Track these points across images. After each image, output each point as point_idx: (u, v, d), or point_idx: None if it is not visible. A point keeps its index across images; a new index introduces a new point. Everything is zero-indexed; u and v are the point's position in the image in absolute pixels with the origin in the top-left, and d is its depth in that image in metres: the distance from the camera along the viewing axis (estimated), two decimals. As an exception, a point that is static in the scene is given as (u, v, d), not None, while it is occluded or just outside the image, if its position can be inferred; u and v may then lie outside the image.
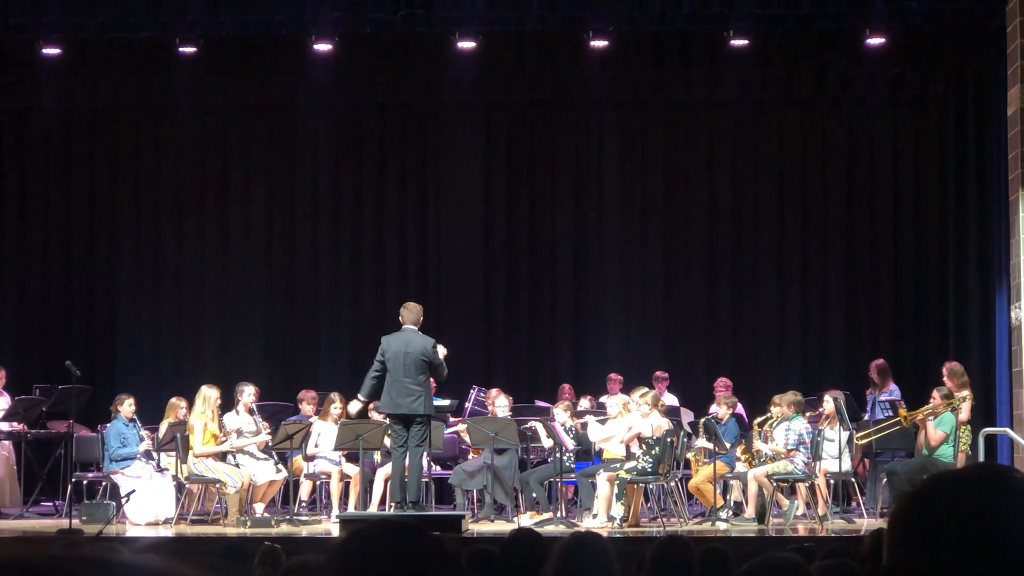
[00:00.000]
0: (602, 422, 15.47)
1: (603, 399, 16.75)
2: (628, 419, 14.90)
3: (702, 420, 15.47)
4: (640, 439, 14.64)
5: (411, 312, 14.15)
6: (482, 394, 16.67)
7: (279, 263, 19.23)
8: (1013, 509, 2.12)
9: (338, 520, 14.14)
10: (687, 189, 19.11)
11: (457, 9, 16.58)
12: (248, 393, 15.38)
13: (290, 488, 15.40)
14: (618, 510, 14.38)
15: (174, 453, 15.12)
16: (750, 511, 14.94)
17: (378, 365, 13.85)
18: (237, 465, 14.99)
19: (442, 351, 13.95)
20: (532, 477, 15.51)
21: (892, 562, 2.19)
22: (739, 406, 16.26)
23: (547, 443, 15.61)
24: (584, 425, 15.72)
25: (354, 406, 14.52)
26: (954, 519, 2.11)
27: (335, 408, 15.84)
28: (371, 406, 15.83)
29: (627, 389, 15.97)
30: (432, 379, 14.04)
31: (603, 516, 14.40)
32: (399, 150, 19.25)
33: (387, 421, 14.78)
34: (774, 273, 18.88)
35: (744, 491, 15.37)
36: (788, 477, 14.60)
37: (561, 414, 15.58)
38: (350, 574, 2.30)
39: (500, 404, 15.78)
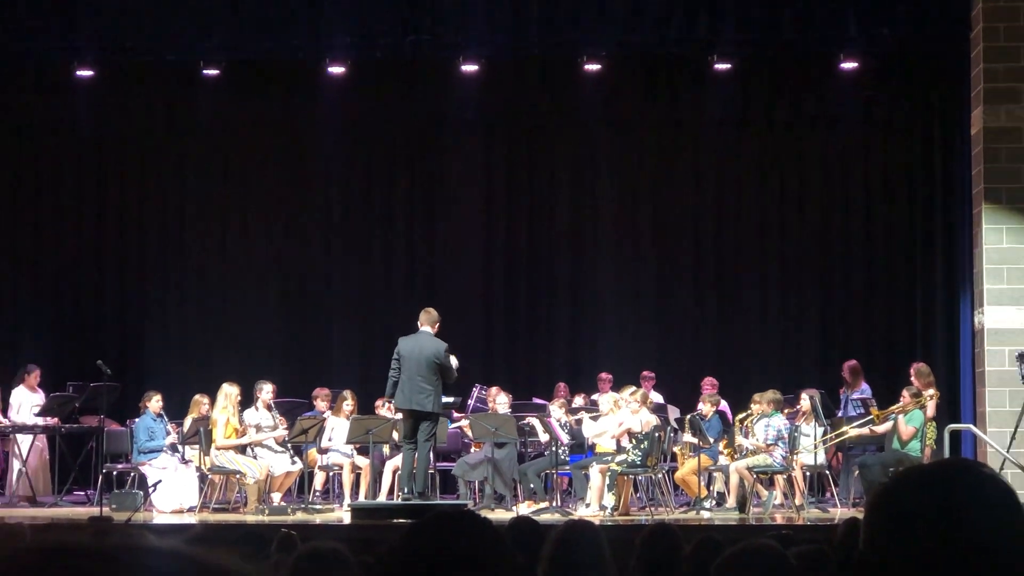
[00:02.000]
0: (594, 418, 15.46)
1: (595, 397, 16.75)
2: (619, 415, 14.91)
3: (688, 416, 15.49)
4: (630, 434, 14.65)
5: (428, 316, 14.15)
6: (483, 392, 16.68)
7: (295, 271, 19.22)
8: (980, 501, 2.13)
9: (349, 509, 14.13)
10: (674, 204, 19.10)
11: (461, 35, 16.59)
12: (267, 391, 15.38)
13: (305, 479, 15.40)
14: (609, 500, 14.38)
15: (198, 446, 15.12)
16: (732, 501, 14.95)
17: (395, 365, 13.87)
18: (256, 457, 14.99)
19: (455, 361, 13.98)
20: (530, 469, 15.50)
21: (867, 549, 2.20)
22: (723, 403, 16.27)
23: (544, 437, 15.61)
24: (579, 421, 15.72)
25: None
26: (925, 509, 2.11)
27: (347, 404, 15.86)
28: (379, 403, 15.87)
29: (617, 388, 15.96)
30: (446, 380, 14.08)
31: (595, 505, 14.39)
32: (407, 165, 19.26)
33: (395, 417, 14.81)
34: (755, 281, 18.87)
35: (726, 482, 15.38)
36: (767, 469, 14.60)
37: (556, 411, 15.58)
38: (426, 552, 2.33)
39: (500, 401, 15.78)
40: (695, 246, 19.03)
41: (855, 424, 15.23)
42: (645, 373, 17.23)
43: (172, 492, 14.69)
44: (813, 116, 18.57)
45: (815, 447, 14.77)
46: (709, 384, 16.79)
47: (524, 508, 14.49)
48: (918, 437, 14.65)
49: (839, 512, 14.40)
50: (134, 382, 16.85)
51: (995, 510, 2.13)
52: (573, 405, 16.51)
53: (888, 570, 2.14)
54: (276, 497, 14.94)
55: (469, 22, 16.44)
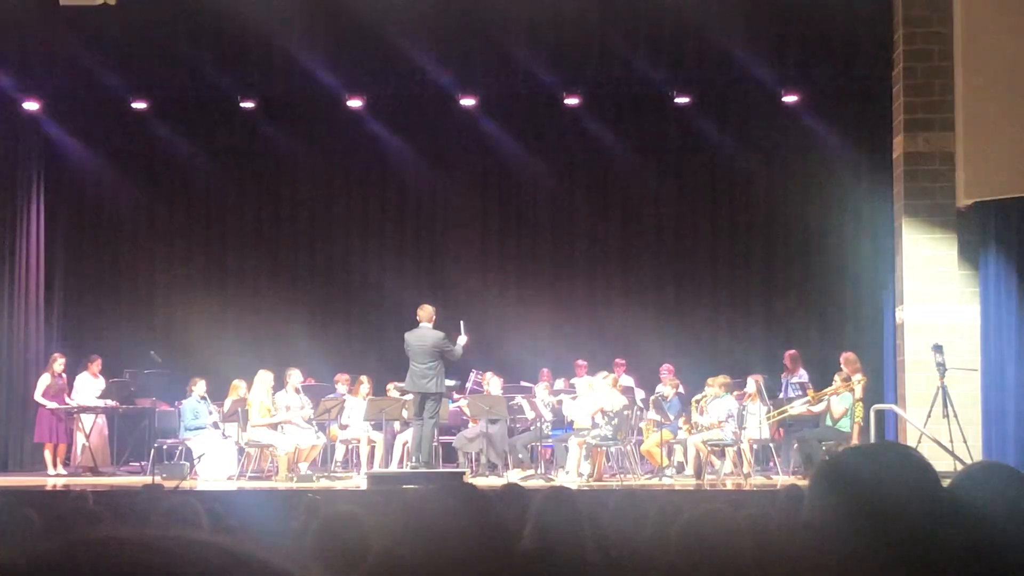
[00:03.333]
0: (572, 399, 15.49)
1: (572, 380, 16.79)
2: (595, 396, 14.92)
3: (652, 397, 15.51)
4: (603, 412, 14.67)
5: (425, 311, 14.28)
6: (479, 376, 16.69)
7: (321, 274, 19.26)
8: (906, 474, 2.16)
9: (366, 476, 14.15)
10: (640, 219, 19.12)
11: (459, 74, 16.61)
12: (295, 376, 15.40)
13: (328, 451, 15.42)
14: (585, 468, 14.41)
15: (236, 423, 15.12)
16: (689, 469, 14.98)
17: (408, 355, 14.09)
18: (285, 433, 14.99)
19: (463, 340, 14.08)
20: (518, 442, 15.52)
21: (811, 513, 2.22)
22: (680, 387, 16.30)
23: (530, 415, 15.63)
24: (560, 401, 15.75)
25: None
26: (861, 481, 2.15)
27: (364, 387, 15.87)
28: (389, 386, 15.89)
29: (591, 373, 16.00)
30: (450, 360, 14.17)
31: (574, 473, 14.42)
32: (414, 185, 19.27)
33: (406, 398, 14.85)
34: (709, 282, 18.89)
35: (685, 454, 15.41)
36: (719, 443, 14.63)
37: (542, 392, 15.61)
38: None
39: (493, 384, 15.79)
40: (657, 253, 19.05)
41: (794, 404, 15.26)
42: (618, 360, 17.26)
43: (215, 463, 14.69)
44: (758, 143, 18.59)
45: (760, 424, 14.80)
46: (667, 370, 16.82)
47: (513, 475, 14.52)
48: (848, 415, 14.70)
49: (780, 479, 14.43)
50: (182, 369, 16.83)
51: (919, 485, 2.16)
52: (555, 387, 16.55)
53: (829, 531, 2.16)
54: (303, 467, 14.95)
55: (467, 63, 16.45)
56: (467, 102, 17.39)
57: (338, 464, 16.01)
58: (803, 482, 12.75)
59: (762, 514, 5.25)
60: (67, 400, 16.13)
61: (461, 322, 14.53)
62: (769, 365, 16.93)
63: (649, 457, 15.43)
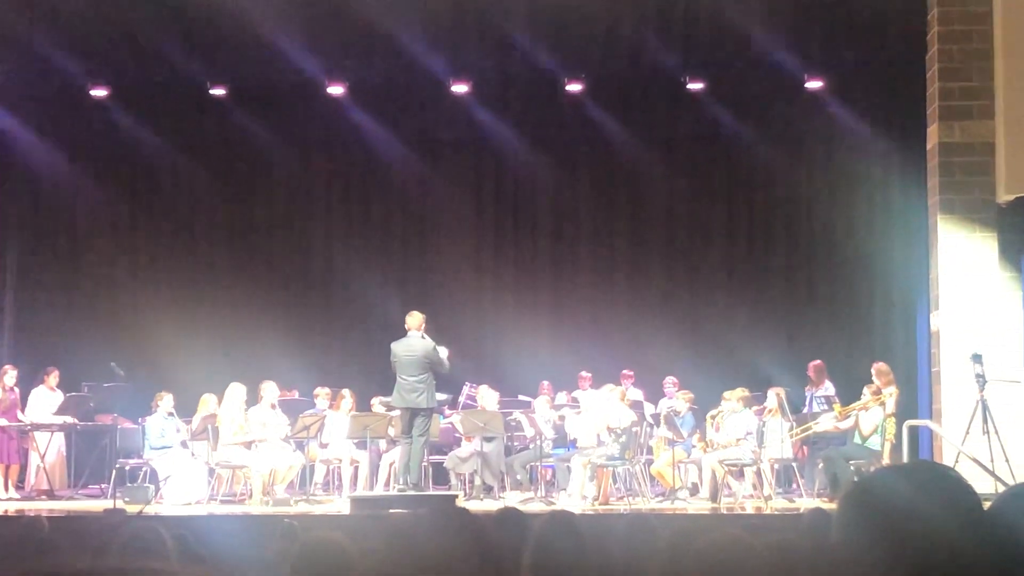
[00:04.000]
0: (575, 414, 15.49)
1: (575, 393, 16.78)
2: (600, 412, 14.90)
3: (663, 413, 15.50)
4: (609, 428, 14.67)
5: (414, 319, 14.26)
6: (473, 389, 16.68)
7: (299, 278, 19.27)
8: (945, 499, 2.16)
9: (349, 499, 14.13)
10: (649, 214, 19.14)
11: (451, 59, 16.62)
12: (271, 390, 15.38)
13: (307, 472, 15.39)
14: (590, 490, 14.40)
15: (206, 442, 15.10)
16: (704, 492, 14.97)
17: (395, 367, 14.04)
18: (260, 452, 14.97)
19: (444, 352, 14.04)
20: (516, 461, 15.51)
21: (840, 540, 2.22)
22: (694, 400, 16.29)
23: (529, 432, 15.62)
24: (562, 417, 15.74)
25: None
26: (896, 506, 2.14)
27: (346, 402, 15.86)
28: (373, 401, 15.89)
29: (596, 385, 16.00)
30: (443, 372, 14.18)
31: (577, 496, 14.41)
32: (401, 179, 19.28)
33: (392, 414, 14.84)
34: (725, 285, 18.90)
35: (699, 475, 15.40)
36: (737, 462, 14.62)
37: (542, 406, 15.61)
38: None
39: (489, 397, 15.77)
40: (668, 253, 19.07)
41: (820, 420, 15.25)
42: (625, 372, 17.26)
43: (182, 485, 14.66)
44: (779, 133, 18.60)
45: (781, 441, 14.79)
46: (672, 383, 16.83)
47: (511, 498, 14.50)
48: (878, 432, 14.70)
49: (804, 502, 14.42)
50: (146, 383, 16.81)
51: (958, 508, 2.16)
52: (556, 402, 16.55)
53: (859, 560, 2.16)
54: (279, 490, 14.92)
55: (459, 46, 16.46)
56: (459, 88, 17.40)
57: (318, 486, 15.98)
58: (829, 505, 12.74)
59: (784, 541, 5.24)
60: (19, 416, 16.10)
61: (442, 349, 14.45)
62: (792, 377, 16.92)
63: (660, 478, 15.41)
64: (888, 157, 18.07)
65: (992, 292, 14.77)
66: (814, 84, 17.23)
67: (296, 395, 16.62)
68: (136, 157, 18.99)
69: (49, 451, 16.11)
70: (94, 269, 19.25)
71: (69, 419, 16.23)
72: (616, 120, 18.58)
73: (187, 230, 19.35)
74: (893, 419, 14.85)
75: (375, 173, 19.31)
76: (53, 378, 16.50)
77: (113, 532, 5.98)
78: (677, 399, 16.07)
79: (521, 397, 16.87)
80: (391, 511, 12.80)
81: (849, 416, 14.95)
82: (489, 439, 15.10)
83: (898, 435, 14.43)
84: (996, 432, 13.57)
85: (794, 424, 15.22)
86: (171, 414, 15.59)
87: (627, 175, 19.11)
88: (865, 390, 14.96)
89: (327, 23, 15.91)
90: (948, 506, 2.16)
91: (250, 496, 14.83)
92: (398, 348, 14.11)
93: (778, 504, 14.34)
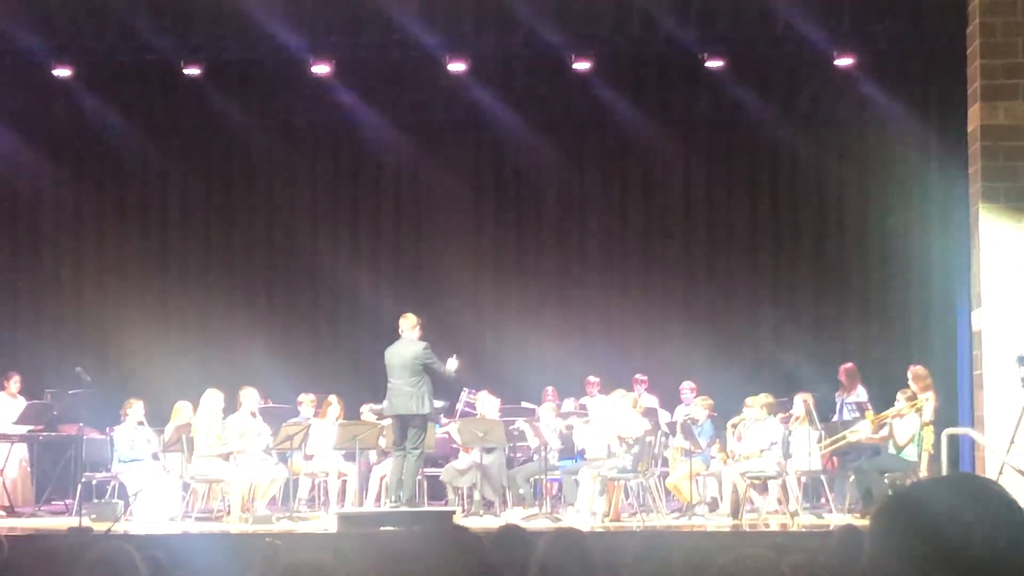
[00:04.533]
0: (584, 423, 15.50)
1: (583, 400, 16.79)
2: (611, 421, 14.90)
3: (679, 421, 15.51)
4: (620, 438, 14.68)
5: (408, 320, 14.34)
6: (472, 396, 16.69)
7: (282, 275, 19.27)
8: (988, 516, 2.15)
9: (336, 516, 14.14)
10: (664, 204, 19.15)
11: (447, 34, 16.61)
12: (251, 396, 15.39)
13: (290, 486, 15.40)
14: (600, 505, 14.40)
15: (180, 454, 15.11)
16: (725, 507, 14.97)
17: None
18: (239, 465, 14.98)
19: (454, 364, 14.09)
20: (519, 474, 15.53)
21: (872, 561, 2.22)
22: (713, 408, 16.30)
23: (533, 442, 15.64)
24: (569, 427, 15.76)
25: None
26: (933, 524, 2.14)
27: (332, 409, 15.86)
28: (363, 409, 15.91)
29: (606, 391, 16.01)
30: (436, 376, 14.22)
31: (586, 512, 14.42)
32: (393, 168, 19.28)
33: (383, 423, 14.86)
34: (748, 281, 18.91)
35: (719, 488, 15.40)
36: (760, 475, 14.62)
37: (546, 414, 15.62)
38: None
39: (490, 404, 15.77)
40: (685, 246, 19.08)
41: (855, 429, 15.23)
42: (638, 376, 17.27)
43: (154, 501, 14.66)
44: (806, 114, 18.59)
45: (809, 452, 14.78)
46: (689, 388, 16.84)
47: (513, 515, 14.51)
48: (915, 442, 14.70)
49: (834, 518, 14.42)
50: (115, 389, 16.81)
51: (1002, 525, 2.15)
52: (563, 409, 16.56)
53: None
54: (260, 505, 14.93)
55: (455, 21, 16.46)
56: (456, 67, 17.39)
57: (302, 502, 15.99)
58: (862, 522, 12.75)
59: (812, 561, 5.25)
60: (-24, 426, 16.13)
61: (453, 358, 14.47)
62: (821, 382, 16.92)
63: (676, 492, 15.42)
64: (925, 141, 18.07)
65: (1039, 289, 14.75)
66: (844, 61, 17.20)
67: (270, 403, 16.60)
68: (103, 143, 18.99)
69: (9, 464, 16.11)
70: (57, 264, 19.26)
71: (31, 428, 16.22)
72: (627, 101, 18.58)
73: (159, 222, 19.35)
74: (931, 428, 14.84)
75: (365, 159, 19.32)
76: (14, 383, 16.52)
77: (79, 553, 5.99)
78: (695, 406, 16.06)
79: (524, 404, 16.89)
80: (382, 529, 12.80)
81: (884, 425, 14.96)
82: (489, 450, 15.10)
83: (936, 445, 14.42)
84: (1044, 442, 13.55)
85: (823, 433, 15.22)
86: (142, 423, 15.59)
87: (640, 161, 19.11)
88: (899, 395, 14.95)
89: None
90: (991, 523, 2.15)
91: (228, 513, 14.84)
92: (389, 353, 14.22)
93: (805, 520, 14.35)
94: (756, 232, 19.00)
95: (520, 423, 15.78)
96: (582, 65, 17.36)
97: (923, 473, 14.43)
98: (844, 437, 15.21)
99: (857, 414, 15.62)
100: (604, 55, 17.42)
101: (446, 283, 18.88)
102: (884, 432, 14.96)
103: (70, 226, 19.32)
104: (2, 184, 19.11)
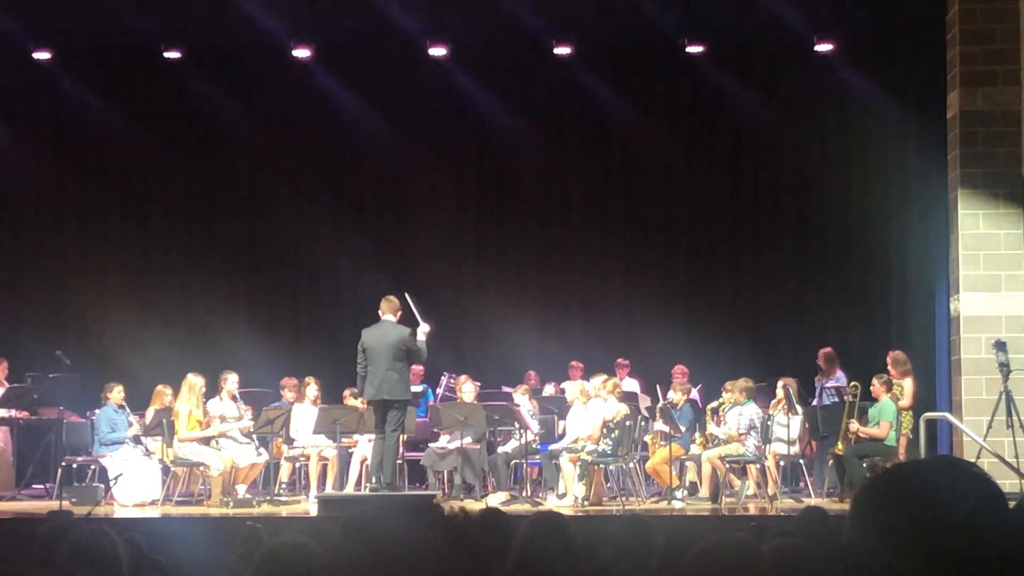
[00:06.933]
0: (560, 415, 15.52)
1: (563, 385, 16.80)
2: (596, 410, 14.88)
3: (659, 405, 15.52)
4: (604, 421, 14.69)
5: (390, 304, 14.30)
6: (452, 380, 16.69)
7: (263, 260, 19.23)
8: (969, 497, 2.16)
9: (317, 500, 14.13)
10: (645, 189, 19.15)
11: (428, 18, 16.59)
12: (232, 380, 15.37)
13: (271, 470, 15.40)
14: (580, 489, 14.42)
15: (160, 437, 15.09)
16: (704, 491, 15.01)
17: (360, 359, 14.00)
18: (220, 449, 14.96)
19: (424, 329, 14.06)
20: (499, 459, 15.53)
21: (852, 538, 2.23)
22: (694, 392, 16.32)
23: (514, 427, 15.62)
24: (549, 411, 15.76)
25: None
26: (914, 505, 2.15)
27: (311, 390, 15.83)
28: (346, 393, 15.88)
29: (587, 376, 16.01)
30: (416, 362, 14.20)
31: (568, 495, 14.44)
32: (376, 152, 19.24)
33: (360, 405, 14.84)
34: (728, 265, 18.92)
35: (698, 472, 15.44)
36: (740, 459, 14.65)
37: (521, 399, 15.60)
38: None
39: (467, 390, 15.76)
40: (666, 230, 19.08)
41: (862, 425, 15.02)
42: (620, 360, 17.29)
43: (134, 485, 14.64)
44: (787, 100, 18.61)
45: (789, 437, 14.81)
46: (679, 372, 16.84)
47: (494, 498, 14.53)
48: (893, 427, 14.73)
49: (812, 502, 14.46)
50: (95, 373, 16.78)
51: (980, 503, 2.16)
52: (543, 393, 16.56)
53: (874, 561, 2.16)
54: (241, 489, 14.92)
55: (437, 5, 16.44)
56: (437, 51, 17.37)
57: (283, 486, 15.98)
58: (835, 506, 12.79)
59: (790, 544, 5.26)
60: (-44, 410, 16.08)
61: (408, 296, 14.40)
62: (800, 366, 16.95)
63: (656, 476, 15.43)
64: (905, 127, 18.10)
65: (1017, 274, 14.82)
66: (824, 47, 17.23)
67: (253, 388, 16.56)
68: (83, 127, 18.92)
69: (-11, 448, 16.08)
70: (38, 248, 19.19)
71: (16, 413, 16.18)
72: (609, 86, 18.58)
73: (140, 207, 19.29)
74: (910, 412, 14.89)
75: (345, 144, 19.27)
76: (1, 370, 16.47)
77: (59, 536, 5.98)
78: (675, 390, 16.06)
79: (505, 388, 16.89)
80: (363, 511, 12.79)
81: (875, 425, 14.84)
82: (473, 435, 15.10)
83: (915, 429, 14.48)
84: (1021, 426, 13.62)
85: (802, 417, 15.22)
86: (122, 407, 15.56)
87: (621, 146, 19.11)
88: (874, 380, 14.92)
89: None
90: (971, 501, 2.16)
91: (209, 497, 14.82)
92: (370, 336, 14.11)
93: (784, 504, 14.39)
94: (736, 217, 19.01)
95: (506, 406, 15.72)
96: (563, 50, 17.38)
97: (902, 457, 14.47)
98: (854, 427, 14.93)
99: (836, 399, 15.66)
100: (585, 40, 17.43)
101: (427, 267, 18.86)
102: (882, 431, 14.80)
103: (50, 209, 19.25)
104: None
